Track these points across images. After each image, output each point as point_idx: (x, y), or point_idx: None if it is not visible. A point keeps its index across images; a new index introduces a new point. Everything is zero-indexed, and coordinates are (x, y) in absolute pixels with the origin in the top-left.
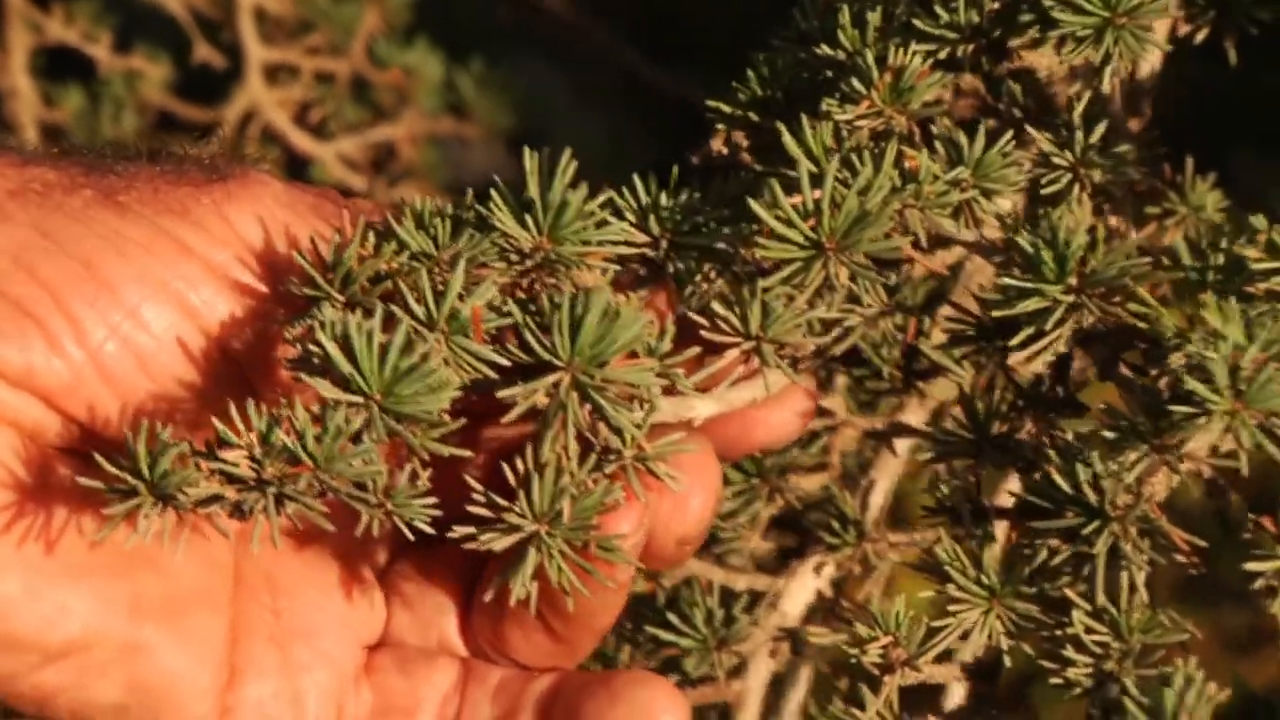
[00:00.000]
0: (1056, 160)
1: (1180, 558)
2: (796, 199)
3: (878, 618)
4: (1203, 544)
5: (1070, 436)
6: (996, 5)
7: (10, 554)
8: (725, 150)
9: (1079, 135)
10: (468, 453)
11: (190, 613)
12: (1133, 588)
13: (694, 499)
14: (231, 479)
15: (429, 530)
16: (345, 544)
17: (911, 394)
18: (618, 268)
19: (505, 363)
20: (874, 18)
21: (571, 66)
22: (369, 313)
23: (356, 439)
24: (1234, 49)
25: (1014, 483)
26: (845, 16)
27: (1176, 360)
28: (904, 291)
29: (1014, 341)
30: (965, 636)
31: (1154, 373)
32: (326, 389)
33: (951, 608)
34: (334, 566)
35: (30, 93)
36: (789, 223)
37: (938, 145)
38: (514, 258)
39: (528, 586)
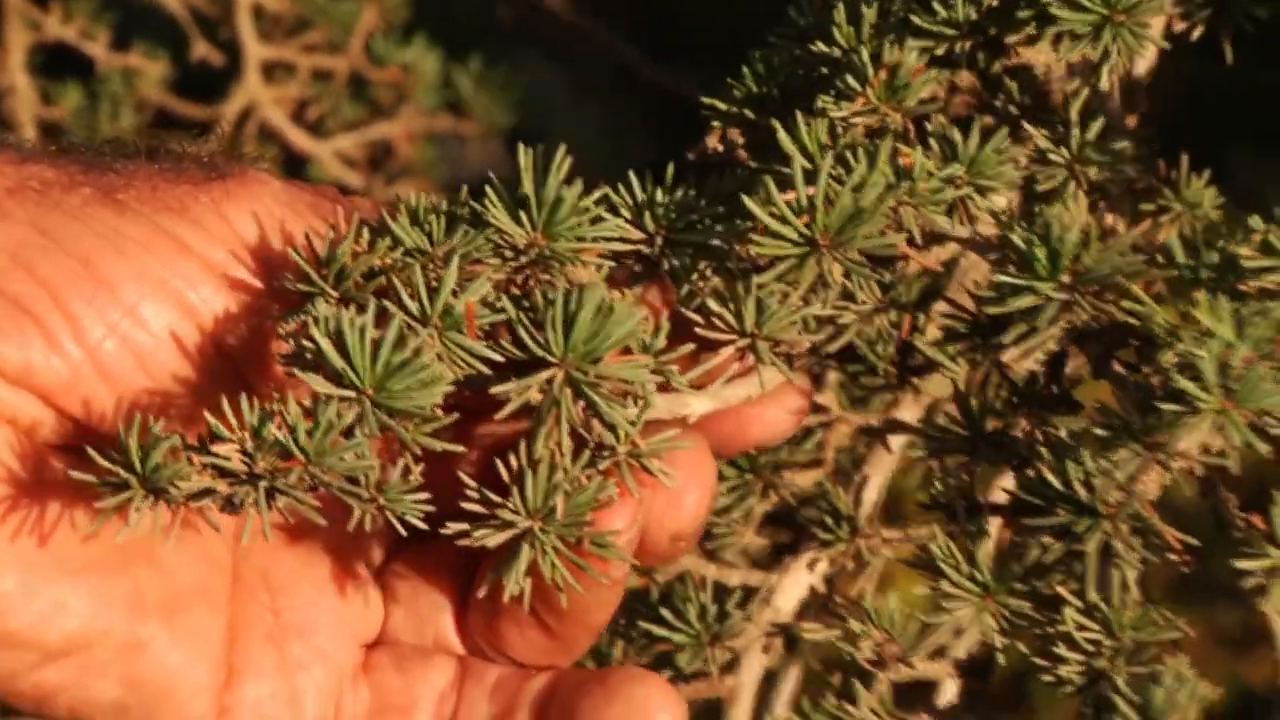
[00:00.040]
0: (1052, 157)
1: (1172, 556)
2: (791, 195)
3: (871, 614)
4: (1195, 542)
5: (1064, 434)
6: (994, 1)
7: (6, 551)
8: (721, 147)
9: (1075, 132)
10: (461, 448)
11: (189, 610)
12: (1125, 585)
13: (689, 495)
14: (223, 473)
15: (422, 526)
16: (342, 543)
17: (906, 390)
18: (612, 264)
19: (499, 358)
20: (870, 14)
21: (570, 65)
22: (362, 308)
23: (349, 434)
24: (1231, 46)
25: (1008, 479)
26: (841, 13)
27: (1168, 358)
28: (898, 288)
29: (1006, 339)
30: (958, 633)
31: (1146, 370)
32: (319, 384)
33: (945, 604)
34: (331, 566)
35: (28, 90)
36: (783, 219)
37: (932, 142)
38: (508, 254)
39: (521, 583)
